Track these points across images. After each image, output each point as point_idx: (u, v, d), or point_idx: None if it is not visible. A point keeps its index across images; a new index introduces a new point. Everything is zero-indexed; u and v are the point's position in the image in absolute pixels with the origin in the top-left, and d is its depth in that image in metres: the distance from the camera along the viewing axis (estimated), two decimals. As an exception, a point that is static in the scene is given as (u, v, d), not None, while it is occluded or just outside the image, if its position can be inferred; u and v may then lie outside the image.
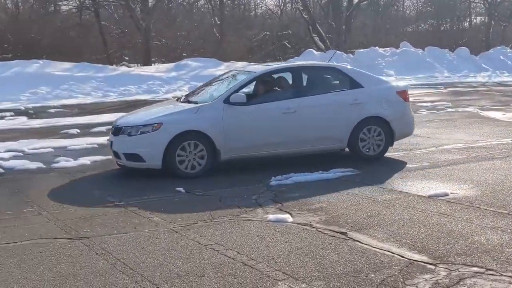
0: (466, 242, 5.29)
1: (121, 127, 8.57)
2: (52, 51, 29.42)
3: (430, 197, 7.04)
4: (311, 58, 29.99)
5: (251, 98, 8.78)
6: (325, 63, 9.88)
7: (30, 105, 18.70)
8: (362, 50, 33.08)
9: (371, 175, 8.37)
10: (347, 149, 9.35)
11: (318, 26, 37.03)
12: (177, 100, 9.56)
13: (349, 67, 10.15)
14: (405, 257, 4.99)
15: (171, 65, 27.62)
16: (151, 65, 30.39)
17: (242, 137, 8.46)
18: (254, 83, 9.20)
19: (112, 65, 28.55)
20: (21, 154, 10.65)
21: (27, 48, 29.30)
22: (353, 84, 9.18)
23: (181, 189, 7.74)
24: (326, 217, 6.29)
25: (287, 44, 38.28)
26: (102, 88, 22.43)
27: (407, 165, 8.97)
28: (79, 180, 8.55)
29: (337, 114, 8.93)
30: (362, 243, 5.40)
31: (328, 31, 37.77)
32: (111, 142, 8.68)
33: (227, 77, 9.52)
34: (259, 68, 9.41)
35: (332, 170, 8.61)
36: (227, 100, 8.45)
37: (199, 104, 8.59)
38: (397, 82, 13.32)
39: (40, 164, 9.65)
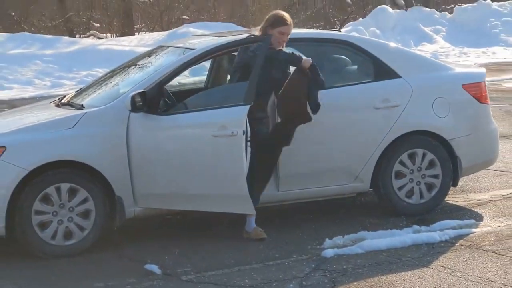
0: None
1: None
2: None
3: None
4: (384, 19, 29.00)
5: (186, 100, 7.81)
6: (329, 32, 9.07)
7: None
8: (464, 6, 32.58)
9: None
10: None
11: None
12: (58, 101, 8.49)
13: (374, 40, 9.72)
14: None
15: (163, 34, 26.71)
16: (134, 35, 30.04)
17: (167, 173, 7.42)
18: (189, 70, 8.40)
19: (72, 35, 26.92)
20: None
21: None
22: (382, 70, 8.17)
23: (154, 267, 6.76)
24: None
25: (347, -1, 38.75)
26: (52, 73, 21.31)
27: None
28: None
29: (351, 128, 7.97)
30: None
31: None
32: None
33: (150, 60, 8.58)
34: (206, 42, 8.33)
35: (436, 224, 7.59)
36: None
37: (84, 110, 7.56)
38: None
39: None
